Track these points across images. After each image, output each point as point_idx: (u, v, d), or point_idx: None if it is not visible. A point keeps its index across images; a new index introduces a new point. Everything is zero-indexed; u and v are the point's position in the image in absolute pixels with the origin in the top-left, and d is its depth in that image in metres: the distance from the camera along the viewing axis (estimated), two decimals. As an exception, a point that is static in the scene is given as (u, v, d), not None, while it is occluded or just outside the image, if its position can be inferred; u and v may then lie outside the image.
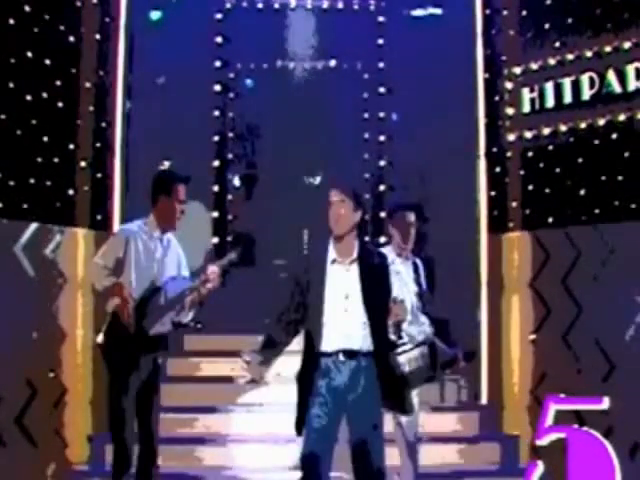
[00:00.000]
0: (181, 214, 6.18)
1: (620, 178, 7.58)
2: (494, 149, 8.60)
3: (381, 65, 9.89)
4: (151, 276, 6.07)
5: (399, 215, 6.65)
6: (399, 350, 6.22)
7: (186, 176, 6.31)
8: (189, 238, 6.62)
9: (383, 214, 9.77)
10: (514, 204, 8.35)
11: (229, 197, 9.79)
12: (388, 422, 6.25)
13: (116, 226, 8.27)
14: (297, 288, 5.32)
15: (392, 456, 7.10)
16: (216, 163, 9.74)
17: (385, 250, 6.43)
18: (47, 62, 7.64)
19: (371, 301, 5.22)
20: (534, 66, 8.23)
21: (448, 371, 6.77)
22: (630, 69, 7.55)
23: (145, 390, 6.07)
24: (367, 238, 9.80)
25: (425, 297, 6.57)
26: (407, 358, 6.23)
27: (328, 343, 5.20)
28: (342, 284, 5.25)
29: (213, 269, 5.92)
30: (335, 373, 5.20)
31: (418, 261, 6.71)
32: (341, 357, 5.20)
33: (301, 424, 5.21)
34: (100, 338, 6.16)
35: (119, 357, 5.99)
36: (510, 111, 8.45)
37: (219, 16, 9.87)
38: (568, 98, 7.98)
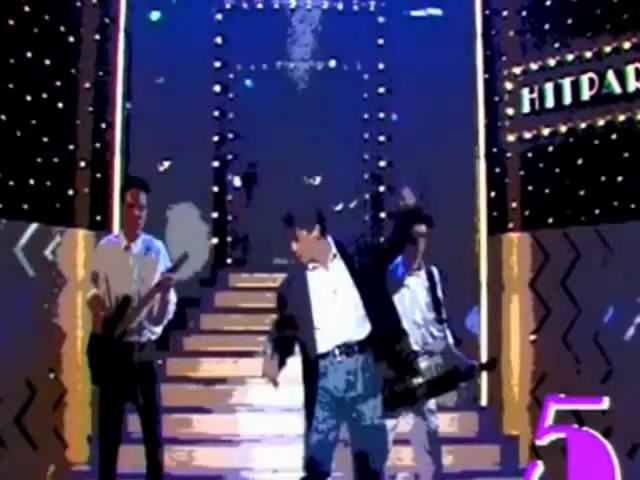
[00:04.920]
0: (139, 219, 6.10)
1: (620, 178, 7.58)
2: (494, 149, 8.60)
3: (381, 65, 9.89)
4: (123, 286, 6.05)
5: (409, 228, 6.46)
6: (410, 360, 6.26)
7: (135, 179, 6.29)
8: (188, 239, 6.62)
9: (383, 214, 9.78)
10: (514, 205, 8.35)
11: (229, 197, 9.78)
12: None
13: (116, 226, 8.28)
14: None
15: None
16: (216, 163, 9.73)
17: (395, 263, 6.48)
18: (47, 62, 7.65)
19: (362, 284, 5.28)
20: (534, 66, 8.23)
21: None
22: (630, 70, 7.56)
23: (142, 396, 6.12)
24: (367, 239, 9.81)
25: (442, 307, 6.44)
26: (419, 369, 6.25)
27: (323, 344, 5.26)
28: (327, 283, 5.33)
29: (167, 275, 5.96)
30: (332, 373, 5.25)
31: (434, 270, 6.53)
32: (337, 356, 5.26)
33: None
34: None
35: (100, 368, 6.10)
36: (510, 111, 8.45)
37: (219, 16, 9.86)
38: (568, 99, 7.99)
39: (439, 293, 6.47)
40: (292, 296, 5.38)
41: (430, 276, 6.50)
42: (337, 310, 5.28)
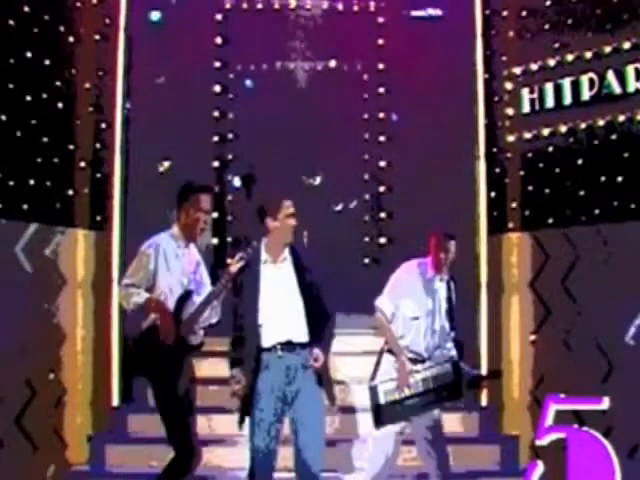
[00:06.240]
0: (205, 224, 6.15)
1: (620, 179, 7.58)
2: (494, 150, 8.61)
3: (381, 66, 9.88)
4: (182, 287, 6.03)
5: (440, 239, 6.46)
6: (418, 367, 6.28)
7: (206, 185, 6.34)
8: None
9: (383, 214, 9.77)
10: (514, 205, 8.36)
11: (229, 197, 9.78)
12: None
13: (116, 226, 8.29)
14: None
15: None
16: (216, 164, 9.73)
17: (422, 264, 6.50)
18: (46, 63, 7.65)
19: (307, 292, 5.50)
20: (534, 66, 8.23)
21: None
22: (630, 70, 7.55)
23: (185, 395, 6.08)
24: (367, 239, 9.81)
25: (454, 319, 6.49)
26: (424, 376, 6.27)
27: (267, 339, 5.50)
28: (276, 281, 5.55)
29: (234, 268, 5.84)
30: (274, 367, 5.47)
31: (452, 282, 6.58)
32: (279, 351, 5.48)
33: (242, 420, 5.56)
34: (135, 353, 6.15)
35: (163, 369, 5.94)
36: (510, 111, 8.46)
37: (219, 17, 9.85)
38: (568, 99, 7.99)
39: (454, 303, 6.50)
40: (244, 287, 5.62)
41: (449, 285, 6.52)
42: (282, 309, 5.48)
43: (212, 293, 5.99)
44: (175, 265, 6.06)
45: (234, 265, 5.81)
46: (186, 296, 6.01)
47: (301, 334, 5.46)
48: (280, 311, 5.49)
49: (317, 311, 5.48)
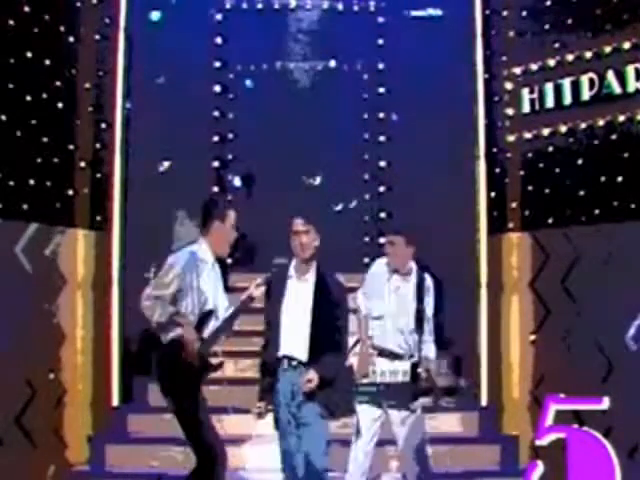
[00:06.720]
0: (234, 240, 5.99)
1: (620, 178, 7.59)
2: (494, 150, 8.61)
3: (381, 66, 9.89)
4: (208, 304, 5.87)
5: (390, 239, 6.41)
6: (382, 361, 6.26)
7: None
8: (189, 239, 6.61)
9: (383, 214, 9.78)
10: (514, 205, 8.36)
11: (229, 197, 9.79)
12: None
13: (116, 226, 8.29)
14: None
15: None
16: (216, 163, 9.73)
17: (382, 263, 6.45)
18: (47, 63, 7.65)
19: (319, 314, 5.48)
20: (534, 66, 8.24)
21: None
22: (630, 70, 7.57)
23: None
24: (367, 239, 9.82)
25: (427, 316, 6.33)
26: (382, 370, 6.24)
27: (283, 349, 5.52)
28: (298, 297, 5.56)
29: (258, 286, 5.76)
30: (282, 380, 5.51)
31: (427, 278, 6.42)
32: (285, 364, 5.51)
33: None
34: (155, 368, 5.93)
35: (186, 383, 5.78)
36: (510, 111, 8.46)
37: (219, 17, 9.86)
38: (568, 99, 8.00)
39: (424, 304, 6.32)
40: (270, 298, 5.64)
41: (420, 283, 6.37)
42: (292, 325, 5.49)
43: (233, 315, 5.89)
44: (203, 283, 5.85)
45: (255, 289, 5.76)
46: (208, 315, 5.86)
47: (302, 352, 5.46)
48: (290, 326, 5.50)
49: (323, 333, 5.45)
